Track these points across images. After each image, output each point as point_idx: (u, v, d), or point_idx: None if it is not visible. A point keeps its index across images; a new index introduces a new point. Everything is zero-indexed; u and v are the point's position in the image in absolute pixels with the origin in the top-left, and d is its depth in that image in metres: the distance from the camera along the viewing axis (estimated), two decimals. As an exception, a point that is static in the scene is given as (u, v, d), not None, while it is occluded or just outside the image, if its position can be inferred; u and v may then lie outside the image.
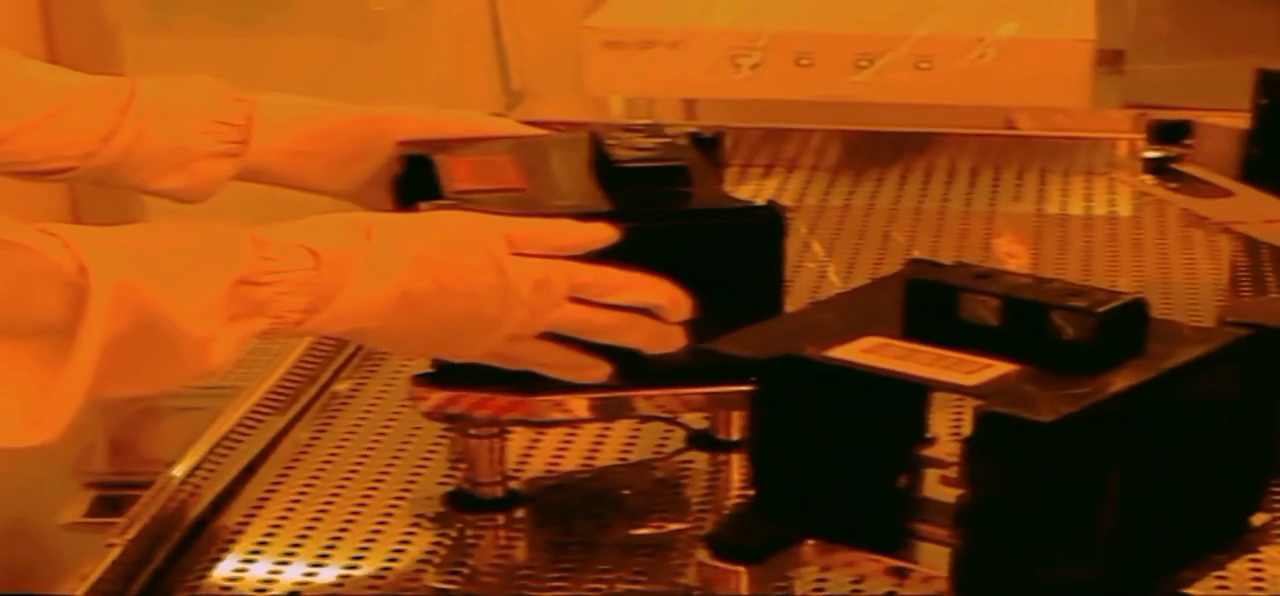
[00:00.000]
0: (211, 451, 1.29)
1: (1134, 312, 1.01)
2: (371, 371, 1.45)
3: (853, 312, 1.07)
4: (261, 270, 1.03)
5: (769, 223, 1.20)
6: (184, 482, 1.24)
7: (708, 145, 1.27)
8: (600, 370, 1.16)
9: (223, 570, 1.18)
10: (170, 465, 1.26)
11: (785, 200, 1.76)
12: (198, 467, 1.26)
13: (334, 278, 1.05)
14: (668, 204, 1.19)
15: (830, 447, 1.03)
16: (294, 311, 1.04)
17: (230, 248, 1.02)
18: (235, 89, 1.26)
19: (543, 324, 1.13)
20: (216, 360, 1.02)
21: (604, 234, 1.15)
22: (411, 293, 1.08)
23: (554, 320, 1.13)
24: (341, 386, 1.43)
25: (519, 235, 1.12)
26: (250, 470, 1.30)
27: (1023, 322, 1.00)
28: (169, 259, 1.00)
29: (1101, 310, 0.99)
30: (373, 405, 1.39)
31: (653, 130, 1.24)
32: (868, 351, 1.01)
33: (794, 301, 1.21)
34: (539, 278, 1.12)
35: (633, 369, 1.17)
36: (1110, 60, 2.51)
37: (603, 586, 1.15)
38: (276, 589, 1.16)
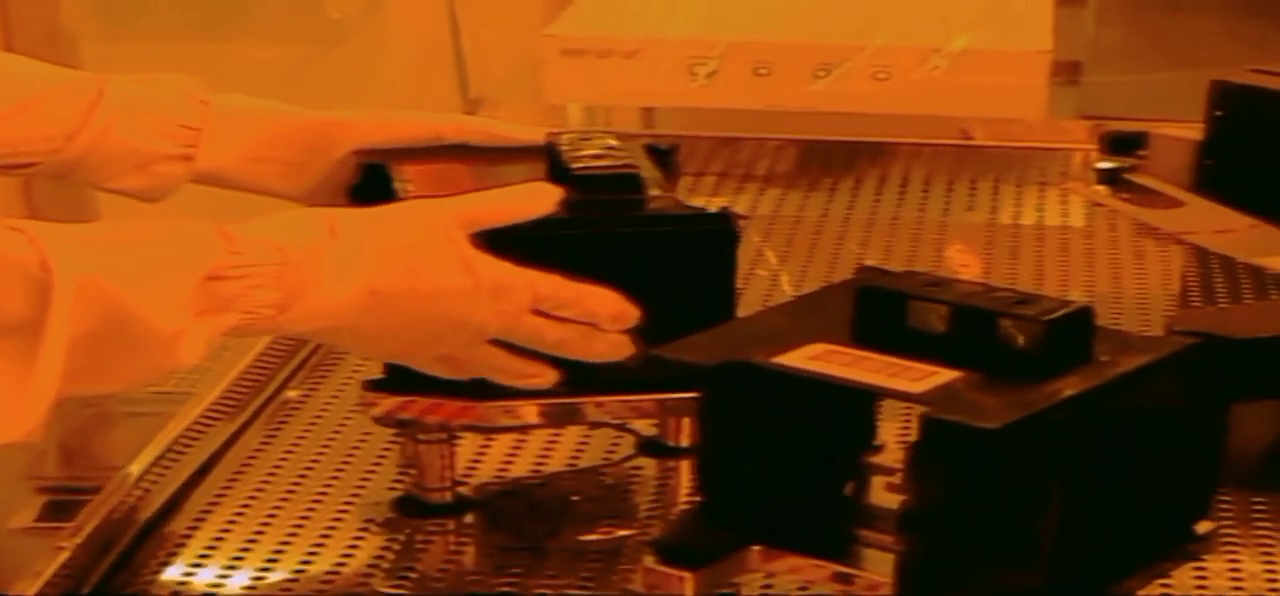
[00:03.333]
0: (161, 456, 1.29)
1: (1081, 321, 1.01)
2: (321, 378, 1.44)
3: (802, 319, 1.07)
4: (230, 265, 1.01)
5: (722, 229, 1.20)
6: (133, 487, 1.24)
7: (662, 156, 1.27)
8: (547, 376, 1.16)
9: (172, 574, 1.18)
10: (120, 470, 1.25)
11: (740, 208, 1.76)
12: (147, 472, 1.26)
13: (302, 275, 1.04)
14: (622, 210, 1.19)
15: (777, 453, 1.04)
16: (265, 307, 1.03)
17: (199, 242, 1.01)
18: (201, 89, 1.25)
19: (499, 330, 1.13)
20: (185, 356, 1.00)
21: (551, 196, 1.16)
22: (379, 291, 1.07)
23: (509, 328, 1.13)
24: (292, 393, 1.42)
25: (471, 212, 1.12)
26: (200, 475, 1.29)
27: (971, 330, 1.01)
28: (136, 254, 0.99)
29: (1049, 318, 1.00)
30: (322, 412, 1.39)
31: (607, 140, 1.25)
32: (815, 358, 1.01)
33: (746, 310, 1.21)
34: (504, 283, 1.11)
35: (585, 375, 1.17)
36: (1067, 71, 2.51)
37: (551, 591, 1.15)
38: (225, 592, 1.16)
